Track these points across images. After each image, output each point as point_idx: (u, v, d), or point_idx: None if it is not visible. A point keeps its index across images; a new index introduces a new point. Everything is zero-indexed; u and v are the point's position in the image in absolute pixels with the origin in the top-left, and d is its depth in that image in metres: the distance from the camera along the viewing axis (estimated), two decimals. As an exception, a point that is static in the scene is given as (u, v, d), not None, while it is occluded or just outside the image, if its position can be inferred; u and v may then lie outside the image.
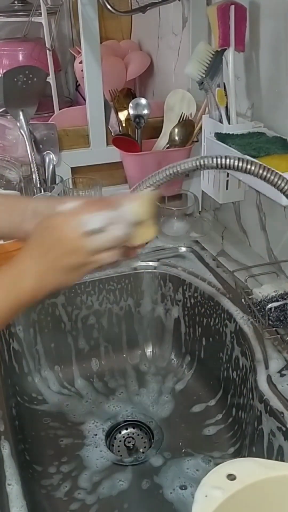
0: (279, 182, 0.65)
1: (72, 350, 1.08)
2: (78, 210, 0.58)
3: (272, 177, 0.64)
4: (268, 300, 0.86)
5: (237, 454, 0.87)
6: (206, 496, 0.42)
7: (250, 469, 0.45)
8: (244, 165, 0.62)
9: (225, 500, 0.42)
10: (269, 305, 0.82)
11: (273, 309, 0.82)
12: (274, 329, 0.83)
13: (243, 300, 0.90)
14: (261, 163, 0.64)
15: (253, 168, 0.62)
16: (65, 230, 0.56)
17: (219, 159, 0.61)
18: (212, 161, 0.62)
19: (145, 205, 0.58)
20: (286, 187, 0.65)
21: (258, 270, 0.96)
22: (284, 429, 0.70)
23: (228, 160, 0.62)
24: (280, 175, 0.65)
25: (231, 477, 0.43)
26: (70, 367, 1.08)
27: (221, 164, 0.61)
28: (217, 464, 0.46)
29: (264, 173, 0.64)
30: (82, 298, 1.05)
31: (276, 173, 0.65)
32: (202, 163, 0.62)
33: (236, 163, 0.62)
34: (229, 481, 0.43)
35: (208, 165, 0.63)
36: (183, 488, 0.84)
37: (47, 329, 1.04)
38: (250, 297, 0.89)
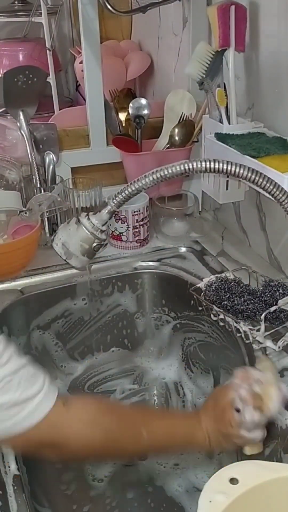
0: (267, 184, 0.66)
1: (72, 350, 1.08)
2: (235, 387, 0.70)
3: (260, 180, 0.65)
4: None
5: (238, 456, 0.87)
6: (210, 501, 0.42)
7: (252, 472, 0.44)
8: (233, 168, 0.65)
9: (229, 505, 0.41)
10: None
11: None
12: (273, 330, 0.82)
13: None
14: (249, 166, 0.65)
15: (241, 171, 0.65)
16: (224, 401, 0.70)
17: (207, 163, 0.65)
18: (201, 164, 0.65)
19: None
20: (274, 190, 0.66)
21: (258, 270, 0.96)
22: (284, 430, 0.70)
23: (216, 164, 0.64)
24: (269, 178, 0.66)
25: (234, 481, 0.43)
26: (70, 367, 1.07)
27: (210, 168, 0.65)
28: (218, 467, 0.46)
29: (253, 176, 0.65)
30: (82, 298, 1.04)
31: (265, 176, 0.65)
32: (189, 167, 0.65)
33: (224, 167, 0.65)
34: (232, 485, 0.43)
35: (196, 169, 0.65)
36: (187, 491, 0.85)
37: (46, 328, 1.04)
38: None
